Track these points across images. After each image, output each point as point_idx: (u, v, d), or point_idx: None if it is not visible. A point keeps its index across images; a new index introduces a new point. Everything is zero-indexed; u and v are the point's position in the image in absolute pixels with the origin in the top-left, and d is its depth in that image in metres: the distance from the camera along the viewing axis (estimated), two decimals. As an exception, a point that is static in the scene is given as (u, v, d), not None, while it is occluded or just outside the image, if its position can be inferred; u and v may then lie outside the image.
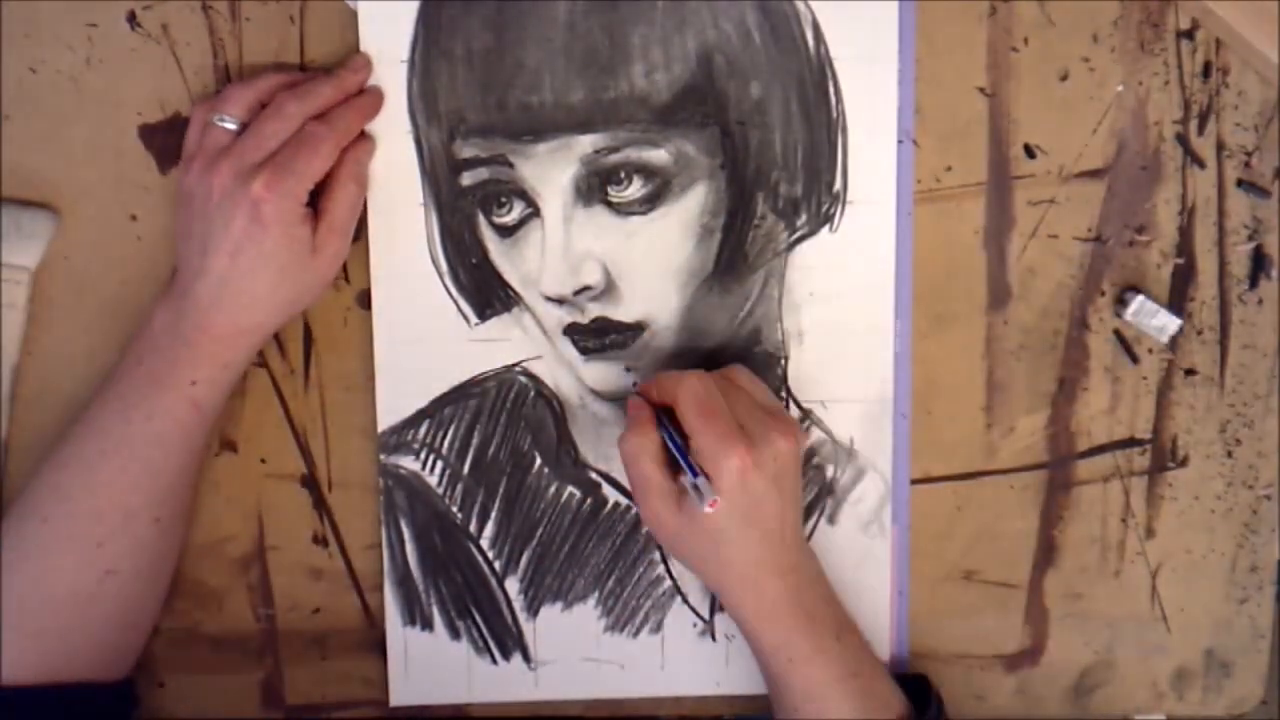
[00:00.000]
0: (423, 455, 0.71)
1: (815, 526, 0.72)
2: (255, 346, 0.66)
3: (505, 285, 0.69)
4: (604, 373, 0.70)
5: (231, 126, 0.64)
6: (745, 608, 0.65)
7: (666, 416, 0.64)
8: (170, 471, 0.65)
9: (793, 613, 0.65)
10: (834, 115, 0.69)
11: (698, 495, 0.61)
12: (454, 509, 0.72)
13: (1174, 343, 0.72)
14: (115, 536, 0.64)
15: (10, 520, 0.65)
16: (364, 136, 0.67)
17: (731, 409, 0.63)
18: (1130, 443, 0.73)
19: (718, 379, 0.65)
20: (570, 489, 0.72)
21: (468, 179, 0.68)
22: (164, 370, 0.64)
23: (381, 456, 0.71)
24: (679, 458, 0.63)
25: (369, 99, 0.67)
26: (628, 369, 0.69)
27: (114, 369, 0.66)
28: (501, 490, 0.72)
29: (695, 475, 0.62)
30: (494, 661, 0.73)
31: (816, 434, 0.71)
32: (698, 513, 0.62)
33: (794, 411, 0.71)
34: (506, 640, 0.73)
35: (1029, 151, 0.70)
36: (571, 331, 0.69)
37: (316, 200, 0.65)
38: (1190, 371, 0.73)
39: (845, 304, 0.70)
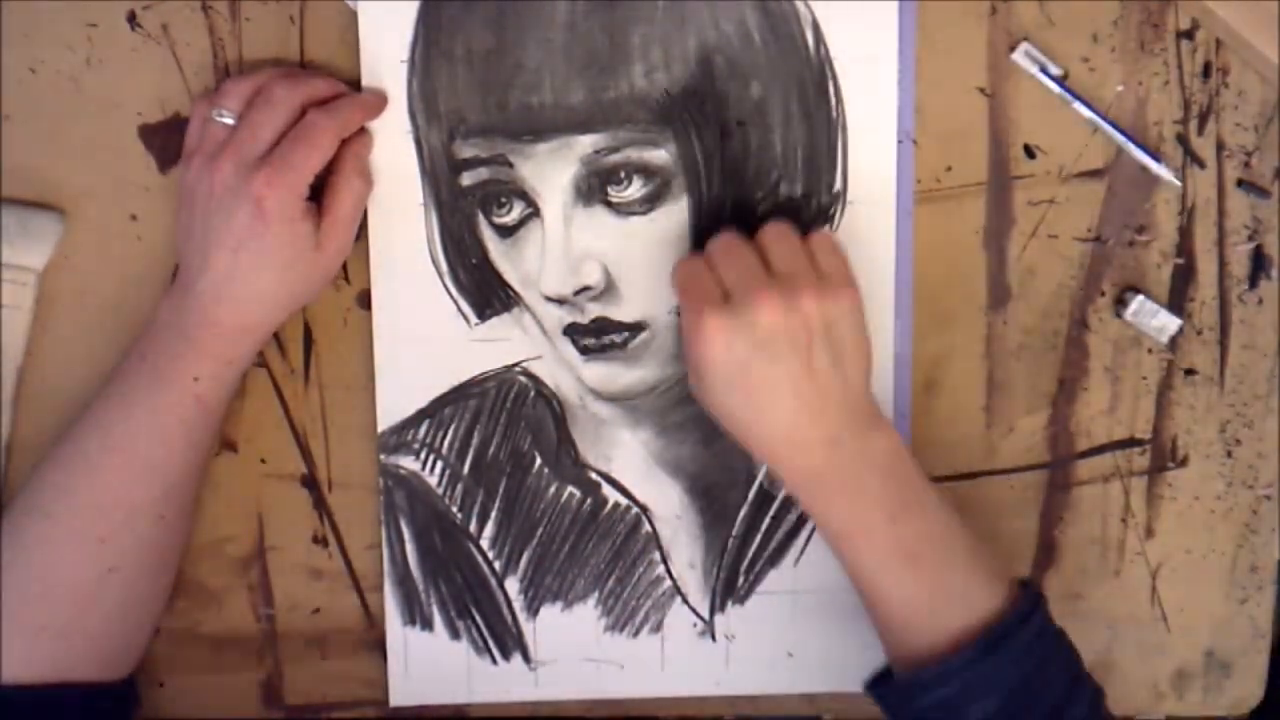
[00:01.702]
0: (423, 455, 0.71)
1: (815, 526, 0.72)
2: (259, 342, 0.66)
3: (505, 285, 0.69)
4: (604, 372, 0.70)
5: (230, 121, 0.64)
6: (785, 476, 0.64)
7: None
8: (174, 468, 0.65)
9: (832, 487, 0.63)
10: (834, 115, 0.69)
11: None
12: (454, 509, 0.72)
13: (1174, 343, 0.72)
14: (118, 533, 0.64)
15: (12, 515, 0.64)
16: (362, 131, 0.67)
17: (723, 276, 0.62)
18: (1130, 443, 0.73)
19: (727, 247, 0.63)
20: (570, 489, 0.72)
21: (468, 179, 0.68)
22: (167, 366, 0.64)
23: (381, 456, 0.71)
24: None
25: (372, 96, 0.67)
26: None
27: (118, 365, 0.66)
28: (501, 490, 0.72)
29: None
30: (494, 661, 0.73)
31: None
32: (701, 375, 0.62)
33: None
34: (506, 640, 0.73)
35: (1029, 151, 0.70)
36: (571, 331, 0.69)
37: (318, 195, 0.65)
38: (1190, 371, 0.73)
39: (845, 304, 0.70)
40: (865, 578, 0.63)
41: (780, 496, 0.72)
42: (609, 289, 0.68)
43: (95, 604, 0.64)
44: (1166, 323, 0.71)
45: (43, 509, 0.64)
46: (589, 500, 0.72)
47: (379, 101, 0.67)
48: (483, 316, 0.70)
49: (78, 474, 0.64)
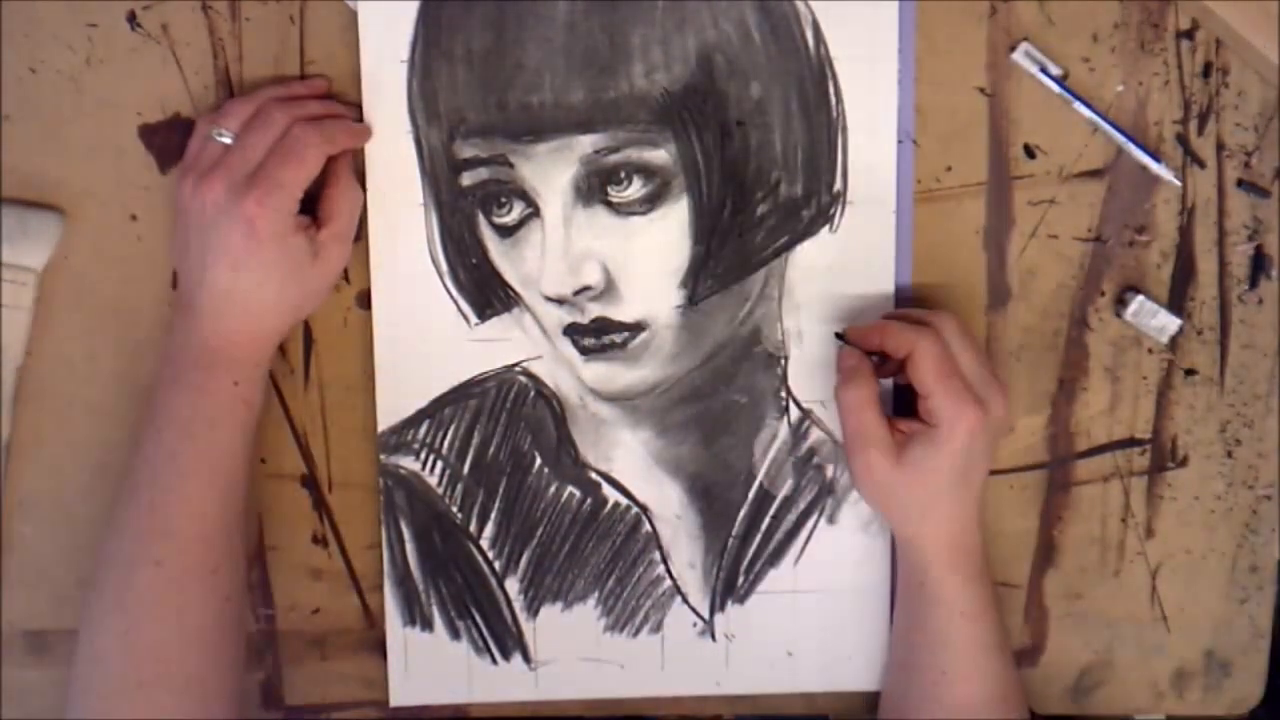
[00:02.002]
0: (423, 455, 0.71)
1: (815, 526, 0.72)
2: (276, 344, 0.67)
3: (505, 285, 0.69)
4: (604, 372, 0.70)
5: (228, 140, 0.64)
6: (937, 561, 0.66)
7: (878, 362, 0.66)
8: (242, 477, 0.65)
9: (975, 569, 0.67)
10: (834, 115, 0.69)
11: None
12: (454, 509, 0.72)
13: (1174, 343, 0.72)
14: (226, 560, 0.64)
15: (111, 577, 0.62)
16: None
17: (968, 361, 0.64)
18: (1130, 443, 0.73)
19: (948, 334, 0.65)
20: (570, 489, 0.72)
21: (468, 179, 0.68)
22: (207, 380, 0.64)
23: (381, 456, 0.71)
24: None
25: (361, 126, 0.67)
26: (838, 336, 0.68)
27: (149, 407, 0.64)
28: (501, 490, 0.72)
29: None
30: (494, 661, 0.73)
31: (816, 434, 0.71)
32: (924, 466, 0.63)
33: (794, 412, 0.71)
34: (506, 640, 0.73)
35: (1029, 151, 0.70)
36: (571, 331, 0.69)
37: (315, 203, 0.65)
38: (1190, 371, 0.73)
39: (845, 304, 0.70)
40: (975, 655, 0.67)
41: (780, 496, 0.72)
42: (609, 289, 0.68)
43: (218, 638, 0.63)
44: (1166, 323, 0.71)
45: (148, 558, 0.62)
46: (589, 500, 0.72)
47: (364, 132, 0.67)
48: (483, 316, 0.70)
49: (173, 512, 0.63)
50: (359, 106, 0.68)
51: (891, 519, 0.69)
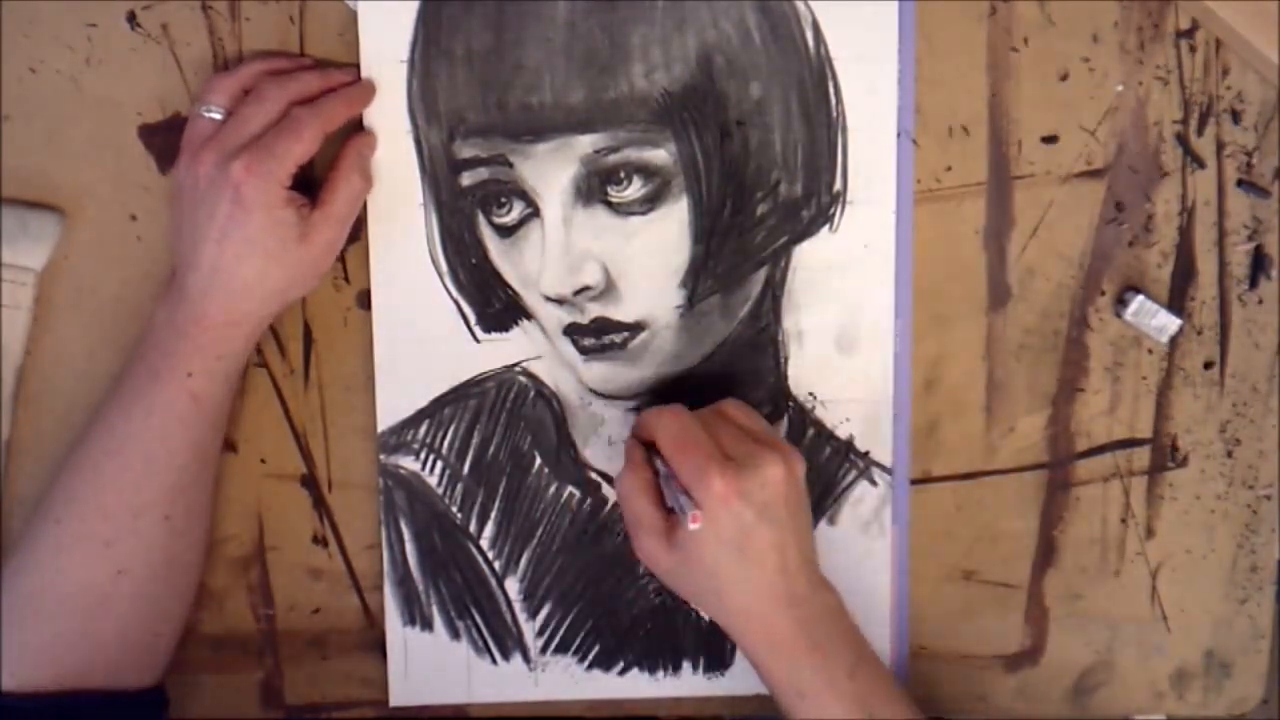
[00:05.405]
0: (422, 455, 0.71)
1: (815, 527, 0.72)
2: (251, 337, 0.66)
3: (505, 285, 0.69)
4: (604, 372, 0.70)
5: (216, 116, 0.64)
6: (750, 640, 0.64)
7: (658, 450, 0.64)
8: (174, 468, 0.65)
9: (800, 646, 0.63)
10: (834, 115, 0.69)
11: (683, 513, 0.61)
12: (454, 509, 0.72)
13: (1174, 343, 0.72)
14: (124, 535, 0.64)
15: (30, 525, 0.65)
16: (365, 130, 0.67)
17: (717, 440, 0.62)
18: (1130, 443, 0.73)
19: (705, 414, 0.64)
20: (570, 489, 0.72)
21: (467, 179, 0.68)
22: (161, 364, 0.64)
23: (381, 456, 0.71)
24: (664, 485, 0.63)
25: (358, 90, 0.67)
26: (632, 404, 0.69)
27: (121, 369, 0.66)
28: (501, 490, 0.72)
29: (681, 497, 0.61)
30: (494, 661, 0.73)
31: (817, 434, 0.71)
32: (690, 546, 0.62)
33: (794, 412, 0.71)
34: (506, 640, 0.73)
35: (1029, 152, 0.70)
36: (571, 331, 0.69)
37: (316, 191, 0.65)
38: (1190, 372, 0.73)
39: (845, 304, 0.70)
40: None
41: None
42: (609, 289, 0.68)
43: (106, 608, 0.64)
44: (1166, 323, 0.71)
45: (54, 515, 0.64)
46: (589, 500, 0.72)
47: (364, 94, 0.67)
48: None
49: (84, 479, 0.64)
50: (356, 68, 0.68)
51: (693, 603, 0.68)
